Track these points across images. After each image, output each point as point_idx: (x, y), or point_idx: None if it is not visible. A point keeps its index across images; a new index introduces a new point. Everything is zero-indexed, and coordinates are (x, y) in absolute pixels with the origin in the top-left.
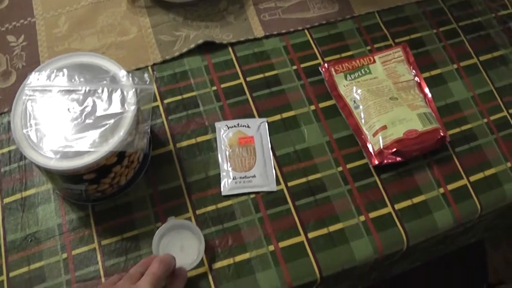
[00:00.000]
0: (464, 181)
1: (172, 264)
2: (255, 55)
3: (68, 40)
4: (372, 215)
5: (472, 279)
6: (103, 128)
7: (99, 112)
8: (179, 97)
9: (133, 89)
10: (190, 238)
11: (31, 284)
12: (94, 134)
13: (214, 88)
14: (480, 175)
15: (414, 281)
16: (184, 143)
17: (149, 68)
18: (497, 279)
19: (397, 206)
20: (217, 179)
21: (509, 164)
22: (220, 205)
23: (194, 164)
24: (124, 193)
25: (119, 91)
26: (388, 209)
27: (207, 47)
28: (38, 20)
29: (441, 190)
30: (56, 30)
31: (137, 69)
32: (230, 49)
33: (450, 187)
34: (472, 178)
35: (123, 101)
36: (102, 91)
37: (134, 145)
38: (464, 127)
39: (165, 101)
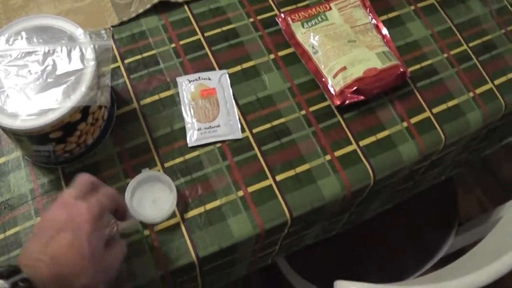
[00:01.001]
0: (427, 114)
1: (116, 202)
2: (211, 11)
3: (25, 10)
4: (338, 153)
5: (443, 218)
6: (64, 85)
7: (60, 70)
8: (139, 57)
9: (91, 45)
10: (162, 189)
11: (8, 250)
12: (57, 92)
13: (173, 45)
14: (443, 107)
15: (386, 223)
16: (148, 100)
17: (107, 30)
18: (469, 219)
19: (362, 143)
20: (183, 131)
21: (471, 94)
22: (187, 157)
23: (159, 119)
24: (92, 153)
25: (77, 49)
26: (353, 146)
27: (163, 7)
28: None
29: (405, 124)
30: (12, 1)
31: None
32: (186, 7)
33: (413, 120)
34: (435, 110)
35: (82, 58)
36: (61, 50)
37: (97, 100)
38: (424, 63)
39: (126, 61)
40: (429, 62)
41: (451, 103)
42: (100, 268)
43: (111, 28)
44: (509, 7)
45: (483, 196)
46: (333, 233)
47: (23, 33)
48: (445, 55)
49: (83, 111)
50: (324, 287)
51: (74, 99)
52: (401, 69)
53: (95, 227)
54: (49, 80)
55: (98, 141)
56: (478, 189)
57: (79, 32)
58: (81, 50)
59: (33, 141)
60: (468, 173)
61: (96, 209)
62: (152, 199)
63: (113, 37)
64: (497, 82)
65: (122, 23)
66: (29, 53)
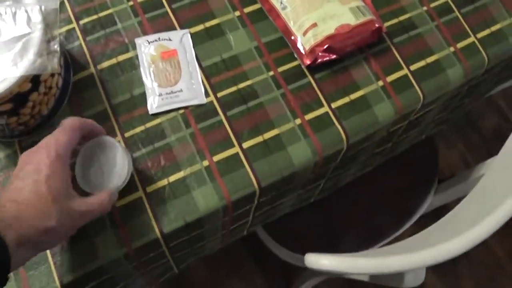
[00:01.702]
0: (404, 71)
1: (80, 128)
2: None
3: None
4: (308, 117)
5: (423, 176)
6: (10, 52)
7: (4, 36)
8: (95, 16)
9: (38, 7)
10: (114, 156)
11: None
12: (3, 60)
13: (131, 3)
14: (421, 63)
15: (364, 186)
16: (105, 64)
17: None
18: (451, 175)
19: (334, 105)
20: (143, 97)
21: (452, 49)
22: (148, 125)
23: (118, 85)
24: (49, 124)
25: (23, 11)
26: (325, 108)
27: None
28: None
29: (380, 82)
30: None
31: None
32: None
33: (390, 78)
34: (413, 67)
35: (28, 21)
36: (5, 12)
37: (47, 66)
38: (402, 17)
39: (81, 22)
40: (407, 15)
41: (430, 59)
42: (66, 211)
43: None
44: None
45: (466, 150)
46: (311, 201)
47: None
48: (425, 8)
49: (33, 80)
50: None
51: (22, 68)
52: (376, 25)
53: (55, 170)
54: None
55: (54, 111)
56: (460, 143)
57: None
58: (26, 12)
59: None
60: (450, 128)
61: (53, 151)
62: (107, 168)
63: None
64: (479, 35)
65: None
66: None
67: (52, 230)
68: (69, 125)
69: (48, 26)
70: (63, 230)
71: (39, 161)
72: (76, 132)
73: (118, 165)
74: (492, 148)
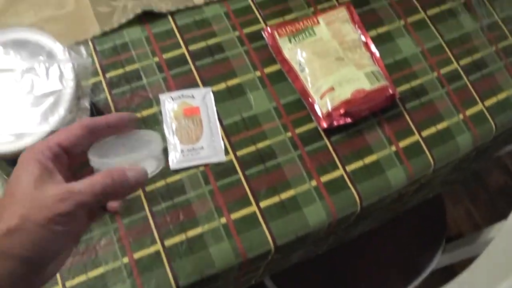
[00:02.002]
0: (416, 137)
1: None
2: (196, 23)
3: (4, 15)
4: (324, 179)
5: (431, 234)
6: (42, 107)
7: (38, 91)
8: (121, 70)
9: (70, 64)
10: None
11: None
12: (34, 114)
13: (156, 59)
14: (432, 130)
15: (372, 241)
16: None
17: (89, 41)
18: (458, 231)
19: (349, 168)
20: (165, 153)
21: (461, 116)
22: (169, 180)
23: None
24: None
25: (56, 67)
26: (340, 171)
27: (147, 17)
28: None
29: (393, 148)
30: None
31: (77, 43)
32: (170, 18)
33: (402, 144)
34: (424, 133)
35: (61, 77)
36: (39, 67)
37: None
38: (414, 83)
39: (107, 75)
40: (418, 81)
41: (440, 126)
42: (34, 200)
43: (94, 41)
44: (500, 22)
45: (472, 207)
46: (318, 253)
47: (0, 47)
48: (435, 73)
49: None
50: None
51: (53, 123)
52: (390, 91)
53: (26, 167)
54: (26, 100)
55: None
56: (466, 199)
57: (58, 48)
58: (60, 68)
59: (10, 163)
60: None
61: (37, 150)
62: (130, 145)
63: (94, 49)
64: (487, 103)
65: (104, 34)
66: (6, 70)
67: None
68: (72, 126)
69: (79, 83)
70: (25, 223)
71: (22, 158)
72: (79, 130)
73: (143, 144)
74: (499, 206)
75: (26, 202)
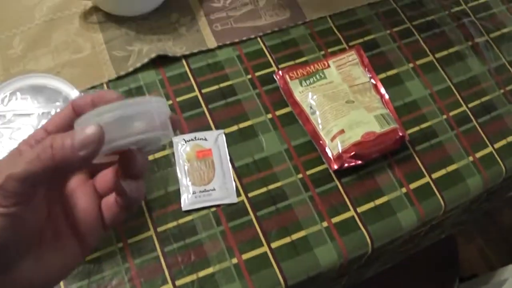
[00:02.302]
0: (426, 179)
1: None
2: (209, 66)
3: (23, 61)
4: (335, 220)
5: (444, 275)
6: None
7: None
8: None
9: None
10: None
11: None
12: None
13: (170, 102)
14: (442, 172)
15: (385, 283)
16: None
17: (104, 85)
18: (471, 271)
19: (360, 209)
20: (177, 194)
21: (471, 158)
22: (181, 221)
23: (153, 181)
24: None
25: None
26: (351, 213)
27: (161, 61)
28: None
29: (404, 189)
30: (11, 51)
31: (92, 87)
32: (184, 61)
33: (413, 186)
34: (435, 175)
35: None
36: (55, 112)
37: None
38: (423, 125)
39: None
40: (428, 124)
41: (450, 168)
42: None
43: (109, 85)
44: (507, 65)
45: (485, 245)
46: None
47: (18, 93)
48: (444, 116)
49: None
50: None
51: None
52: (400, 134)
53: None
54: None
55: None
56: (479, 237)
57: (74, 94)
58: None
59: None
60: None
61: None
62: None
63: None
64: (497, 145)
65: (119, 77)
66: (23, 115)
67: None
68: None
69: None
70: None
71: None
72: (64, 110)
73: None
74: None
75: None
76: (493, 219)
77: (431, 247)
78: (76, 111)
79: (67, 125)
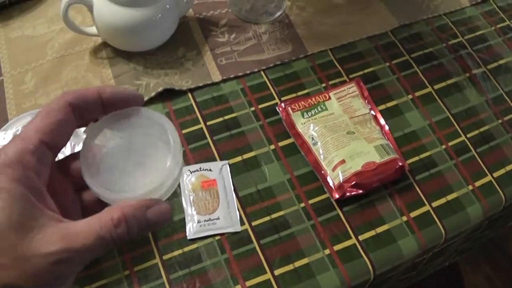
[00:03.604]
0: (426, 208)
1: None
2: (214, 99)
3: (35, 96)
4: (337, 247)
5: None
6: None
7: None
8: None
9: None
10: (153, 139)
11: None
12: None
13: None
14: (442, 200)
15: None
16: None
17: None
18: None
19: (361, 237)
20: (182, 223)
21: (470, 187)
22: (186, 249)
23: None
24: None
25: (81, 146)
26: (352, 240)
27: (168, 94)
28: (6, 77)
29: (404, 218)
30: (23, 86)
31: None
32: (189, 95)
33: (413, 214)
34: (435, 204)
35: None
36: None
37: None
38: (423, 155)
39: None
40: (427, 153)
41: (450, 197)
42: (15, 275)
43: None
44: (505, 95)
45: (493, 274)
46: None
47: None
48: (444, 146)
49: None
50: None
51: None
52: (400, 163)
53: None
54: None
55: None
56: (487, 266)
57: (82, 128)
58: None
59: None
60: (475, 251)
61: (13, 158)
62: (133, 163)
63: None
64: (496, 174)
65: None
66: None
67: None
68: (51, 107)
69: None
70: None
71: None
72: (61, 113)
73: (159, 156)
74: None
75: (7, 262)
76: (501, 247)
77: (436, 275)
78: (79, 111)
79: (65, 132)
